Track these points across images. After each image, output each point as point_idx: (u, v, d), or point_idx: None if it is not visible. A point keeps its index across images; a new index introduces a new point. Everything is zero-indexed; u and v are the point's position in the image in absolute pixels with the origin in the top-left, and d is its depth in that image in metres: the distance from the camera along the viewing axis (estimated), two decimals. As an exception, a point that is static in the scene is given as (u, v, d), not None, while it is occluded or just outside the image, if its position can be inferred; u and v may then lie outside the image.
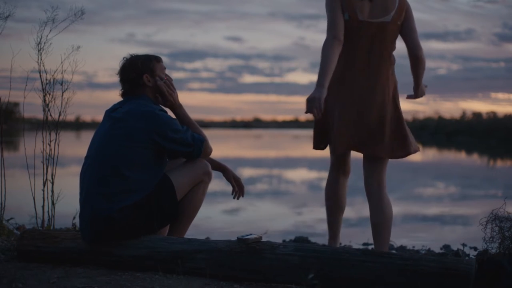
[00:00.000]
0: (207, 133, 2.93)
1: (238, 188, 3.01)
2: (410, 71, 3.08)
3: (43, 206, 3.68)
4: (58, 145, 3.72)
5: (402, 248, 4.44)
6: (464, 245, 4.45)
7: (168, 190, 2.72)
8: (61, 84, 3.71)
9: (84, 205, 2.67)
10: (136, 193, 2.64)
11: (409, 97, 3.17)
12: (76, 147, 17.63)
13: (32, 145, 3.64)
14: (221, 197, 7.40)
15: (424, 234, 5.26)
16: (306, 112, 2.76)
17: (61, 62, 3.66)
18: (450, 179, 11.03)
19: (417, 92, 3.13)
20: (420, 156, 19.34)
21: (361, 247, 4.48)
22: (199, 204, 2.90)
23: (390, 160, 2.97)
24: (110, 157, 2.64)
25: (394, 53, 3.00)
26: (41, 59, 3.68)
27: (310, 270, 2.40)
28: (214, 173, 2.96)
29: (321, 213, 4.87)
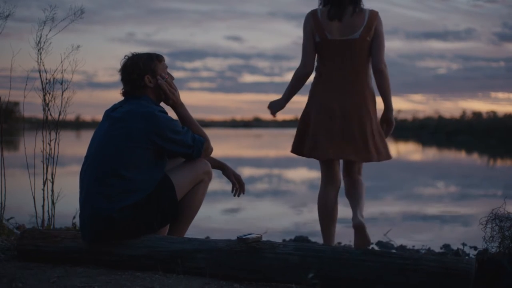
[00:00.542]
0: (207, 132, 2.92)
1: (239, 185, 3.00)
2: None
3: (43, 206, 3.68)
4: (58, 144, 3.72)
5: (402, 247, 4.44)
6: (464, 244, 4.45)
7: (168, 190, 2.72)
8: (61, 84, 3.71)
9: (84, 205, 2.67)
10: (136, 193, 2.64)
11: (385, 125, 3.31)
12: (76, 147, 17.63)
13: (32, 145, 3.64)
14: (221, 197, 7.40)
15: (424, 233, 5.26)
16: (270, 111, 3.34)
17: (61, 62, 3.66)
18: (450, 178, 11.03)
19: (388, 126, 3.28)
20: (420, 155, 19.34)
21: (361, 246, 4.47)
22: (199, 203, 2.90)
23: (386, 163, 3.13)
24: (110, 157, 2.64)
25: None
26: (41, 59, 3.68)
27: (310, 270, 2.40)
28: (214, 172, 2.96)
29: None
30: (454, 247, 4.39)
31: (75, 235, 2.76)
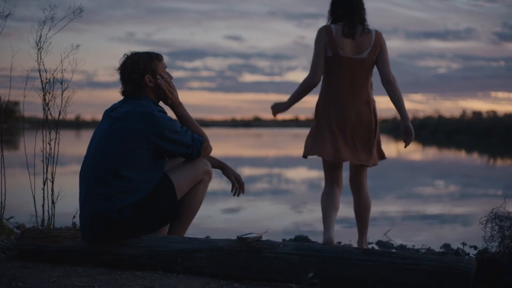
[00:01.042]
0: (207, 132, 2.92)
1: (238, 185, 3.00)
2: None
3: (43, 205, 3.68)
4: (58, 144, 3.72)
5: (402, 247, 4.44)
6: (464, 244, 4.45)
7: (168, 190, 2.72)
8: (61, 83, 3.70)
9: (83, 205, 2.67)
10: (135, 193, 2.64)
11: (405, 144, 3.60)
12: (76, 146, 17.63)
13: (32, 144, 3.64)
14: (221, 196, 7.40)
15: (424, 233, 5.26)
16: (273, 112, 3.68)
17: (61, 61, 3.66)
18: (450, 178, 11.03)
19: (406, 134, 3.52)
20: (420, 155, 19.34)
21: (361, 246, 4.47)
22: (199, 203, 2.90)
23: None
24: (109, 157, 2.64)
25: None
26: (40, 58, 3.68)
27: (310, 269, 2.40)
28: (214, 172, 2.96)
29: (321, 212, 4.88)
30: (454, 247, 4.38)
31: (75, 235, 2.76)
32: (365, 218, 3.74)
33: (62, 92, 3.71)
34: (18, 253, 2.80)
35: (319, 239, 4.85)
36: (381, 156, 3.69)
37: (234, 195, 3.01)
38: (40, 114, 3.76)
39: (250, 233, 2.59)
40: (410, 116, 3.60)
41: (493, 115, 36.00)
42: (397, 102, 3.50)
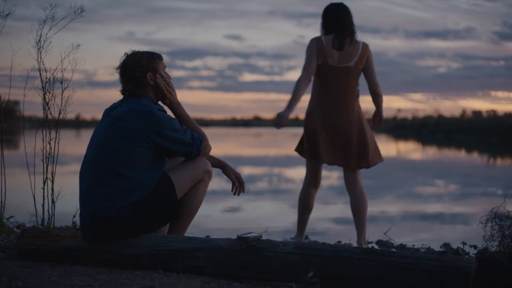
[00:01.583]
0: (207, 131, 2.92)
1: (238, 184, 3.00)
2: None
3: (43, 205, 3.68)
4: (58, 143, 3.72)
5: (402, 246, 4.44)
6: (464, 243, 4.45)
7: (168, 189, 2.72)
8: (61, 83, 3.70)
9: (83, 205, 2.67)
10: (135, 192, 2.64)
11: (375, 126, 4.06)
12: (76, 146, 17.63)
13: (32, 144, 3.64)
14: (221, 196, 7.40)
15: (424, 232, 5.26)
16: (274, 124, 3.87)
17: (61, 61, 3.66)
18: (450, 177, 11.03)
19: (376, 121, 4.03)
20: (420, 154, 19.34)
21: (361, 245, 4.47)
22: (199, 202, 2.90)
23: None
24: (109, 157, 2.64)
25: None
26: (41, 58, 3.68)
27: (310, 269, 2.40)
28: (214, 171, 2.96)
29: (321, 211, 4.89)
30: (454, 246, 4.38)
31: (75, 234, 2.76)
32: (362, 217, 3.94)
33: (62, 91, 3.71)
34: (18, 253, 2.80)
35: (319, 239, 4.85)
36: (378, 158, 3.96)
37: (234, 194, 3.01)
38: (40, 114, 3.77)
39: (250, 233, 2.60)
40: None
41: (493, 115, 36.04)
42: (378, 104, 3.98)
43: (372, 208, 6.75)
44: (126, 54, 2.82)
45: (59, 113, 3.73)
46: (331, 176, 10.21)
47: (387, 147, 23.94)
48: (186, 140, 2.75)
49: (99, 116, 2.87)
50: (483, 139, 29.03)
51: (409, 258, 2.38)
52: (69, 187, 3.75)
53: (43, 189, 3.68)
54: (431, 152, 20.99)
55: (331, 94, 3.83)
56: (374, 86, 3.88)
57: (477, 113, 38.53)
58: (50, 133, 3.70)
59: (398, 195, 8.26)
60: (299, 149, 4.06)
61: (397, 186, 9.52)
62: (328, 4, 3.95)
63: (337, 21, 3.83)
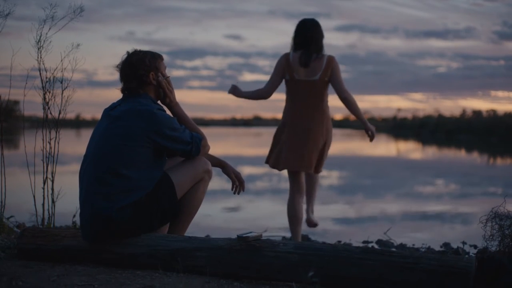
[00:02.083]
0: (208, 131, 2.93)
1: (238, 183, 2.99)
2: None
3: (43, 204, 3.68)
4: (58, 143, 3.72)
5: (402, 246, 4.44)
6: (464, 243, 4.45)
7: (168, 189, 2.72)
8: (61, 82, 3.70)
9: (83, 205, 2.67)
10: (135, 192, 2.64)
11: (370, 139, 4.15)
12: (76, 145, 17.63)
13: (32, 143, 3.64)
14: (221, 195, 7.40)
15: (424, 232, 5.26)
16: (229, 90, 4.23)
17: (61, 60, 3.65)
18: (450, 177, 11.03)
19: (367, 131, 4.11)
20: (420, 154, 19.34)
21: (361, 245, 4.48)
22: (199, 202, 2.90)
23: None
24: (109, 156, 2.64)
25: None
26: (41, 57, 3.67)
27: (310, 268, 2.40)
28: (214, 171, 2.96)
29: (321, 211, 4.89)
30: (454, 246, 4.39)
31: (75, 234, 2.76)
32: (313, 192, 4.29)
33: (62, 91, 3.71)
34: (18, 252, 2.80)
35: (319, 238, 4.85)
36: (317, 169, 4.16)
37: (234, 193, 3.00)
38: (40, 113, 3.76)
39: (250, 232, 2.59)
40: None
41: (493, 114, 36.04)
42: (354, 112, 4.11)
43: (373, 207, 6.76)
44: (128, 53, 2.82)
45: (59, 113, 3.73)
46: (331, 176, 10.21)
47: (387, 147, 23.94)
48: (185, 139, 2.76)
49: (99, 115, 2.87)
50: (483, 139, 29.03)
51: (409, 258, 2.38)
52: (69, 187, 3.75)
53: (43, 188, 3.68)
54: (431, 152, 20.99)
55: (300, 106, 4.08)
56: (341, 93, 4.04)
57: (477, 113, 38.54)
58: (50, 132, 3.70)
59: (398, 194, 8.27)
60: (268, 160, 4.30)
61: (397, 186, 9.52)
62: (301, 19, 4.16)
63: (304, 38, 4.04)
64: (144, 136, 2.64)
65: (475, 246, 4.37)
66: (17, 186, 4.27)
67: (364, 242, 4.65)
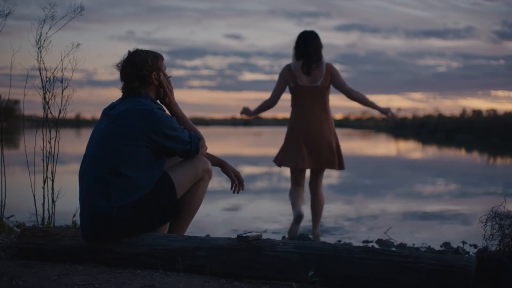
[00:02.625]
0: (208, 130, 2.94)
1: (238, 182, 3.00)
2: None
3: (43, 204, 3.68)
4: (58, 142, 3.72)
5: (402, 245, 4.44)
6: (464, 242, 4.45)
7: (168, 188, 2.72)
8: (61, 82, 3.70)
9: (83, 204, 2.67)
10: (135, 192, 2.64)
11: (387, 117, 4.74)
12: (76, 145, 17.63)
13: (32, 143, 3.64)
14: (221, 195, 7.40)
15: (424, 231, 5.26)
16: (240, 112, 4.89)
17: (61, 60, 3.66)
18: (450, 176, 11.03)
19: (387, 113, 4.69)
20: (421, 153, 19.34)
21: (361, 244, 4.48)
22: (199, 201, 2.90)
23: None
24: (108, 156, 2.64)
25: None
26: (41, 57, 3.67)
27: (310, 268, 2.40)
28: (214, 170, 2.96)
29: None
30: (454, 245, 4.38)
31: (75, 233, 2.76)
32: (319, 215, 4.77)
33: (62, 90, 3.71)
34: (18, 252, 2.80)
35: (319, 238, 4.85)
36: (341, 165, 4.65)
37: (234, 192, 3.01)
38: (40, 113, 3.77)
39: (250, 232, 2.60)
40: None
41: (493, 114, 36.00)
42: (366, 104, 4.64)
43: (373, 207, 6.76)
44: (129, 52, 2.82)
45: (59, 112, 3.73)
46: (331, 175, 10.21)
47: (388, 147, 23.94)
48: (184, 138, 2.76)
49: (99, 115, 2.87)
50: (483, 139, 29.02)
51: (409, 257, 2.38)
52: (69, 186, 3.76)
53: (43, 188, 3.68)
54: (431, 152, 20.99)
55: (304, 110, 4.58)
56: (348, 93, 4.59)
57: (477, 112, 38.51)
58: (50, 132, 3.70)
59: (398, 194, 8.27)
60: (280, 162, 4.75)
61: (397, 185, 9.52)
62: (301, 31, 4.66)
63: (305, 48, 4.55)
64: (144, 136, 2.64)
65: (475, 246, 4.37)
66: (17, 186, 4.27)
67: (364, 241, 4.65)
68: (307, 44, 4.57)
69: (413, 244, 4.47)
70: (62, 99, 3.72)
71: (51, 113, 3.72)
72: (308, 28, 5.19)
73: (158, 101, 2.87)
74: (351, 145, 23.39)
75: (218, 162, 3.00)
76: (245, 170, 11.22)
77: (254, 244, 2.53)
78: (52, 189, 3.68)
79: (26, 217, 4.13)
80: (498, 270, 2.50)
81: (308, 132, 4.57)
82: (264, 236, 2.64)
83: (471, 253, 4.02)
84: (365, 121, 61.31)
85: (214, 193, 7.42)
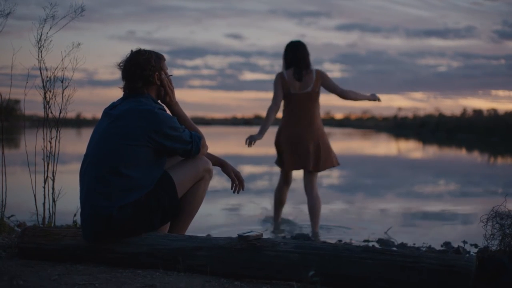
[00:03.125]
0: (208, 130, 2.94)
1: (238, 182, 3.00)
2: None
3: (44, 203, 3.68)
4: (59, 142, 3.72)
5: (402, 245, 4.44)
6: (464, 242, 4.45)
7: (168, 188, 2.72)
8: (62, 82, 3.70)
9: (84, 204, 2.67)
10: (136, 191, 2.64)
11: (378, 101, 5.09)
12: (76, 144, 17.63)
13: (32, 142, 3.64)
14: (222, 194, 7.40)
15: (425, 231, 5.26)
16: (246, 142, 4.81)
17: (62, 60, 3.66)
18: (451, 176, 11.03)
19: (375, 99, 5.04)
20: (421, 153, 19.34)
21: (362, 244, 4.48)
22: (200, 201, 2.90)
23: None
24: (109, 156, 2.64)
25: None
26: (41, 57, 3.67)
27: (310, 267, 2.40)
28: (214, 170, 2.96)
29: (321, 210, 4.89)
30: (455, 245, 4.38)
31: (75, 233, 2.76)
32: (317, 215, 4.90)
33: (63, 90, 3.71)
34: (19, 251, 2.80)
35: (320, 237, 4.85)
36: (334, 162, 4.94)
37: (234, 192, 3.00)
38: (40, 112, 3.77)
39: (251, 231, 2.60)
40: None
41: (493, 114, 35.99)
42: (359, 98, 4.96)
43: (373, 206, 6.76)
44: (132, 52, 2.82)
45: (60, 112, 3.73)
46: (331, 175, 10.21)
47: (388, 146, 23.94)
48: (185, 138, 2.76)
49: (99, 115, 2.87)
50: (483, 138, 29.00)
51: (410, 257, 2.38)
52: (70, 186, 3.76)
53: (44, 187, 3.68)
54: (431, 151, 20.99)
55: (295, 115, 4.87)
56: (341, 94, 4.89)
57: (477, 112, 38.49)
58: (50, 132, 3.70)
59: (399, 194, 8.27)
60: (279, 162, 5.07)
61: (398, 185, 9.52)
62: (288, 42, 4.96)
63: (294, 57, 4.85)
64: (145, 135, 2.64)
65: (475, 245, 4.37)
66: (17, 185, 4.27)
67: (364, 241, 4.64)
68: (295, 52, 4.87)
69: (414, 244, 4.47)
70: (62, 99, 3.72)
71: (51, 112, 3.73)
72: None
73: (159, 101, 2.87)
74: (352, 145, 23.39)
75: (219, 161, 3.00)
76: (246, 170, 11.21)
77: (255, 243, 2.53)
78: (53, 188, 3.69)
79: (27, 217, 4.13)
80: (499, 270, 2.50)
81: (297, 135, 4.84)
82: (265, 236, 2.64)
83: (471, 253, 4.02)
84: (366, 120, 61.34)
85: (214, 192, 7.42)
